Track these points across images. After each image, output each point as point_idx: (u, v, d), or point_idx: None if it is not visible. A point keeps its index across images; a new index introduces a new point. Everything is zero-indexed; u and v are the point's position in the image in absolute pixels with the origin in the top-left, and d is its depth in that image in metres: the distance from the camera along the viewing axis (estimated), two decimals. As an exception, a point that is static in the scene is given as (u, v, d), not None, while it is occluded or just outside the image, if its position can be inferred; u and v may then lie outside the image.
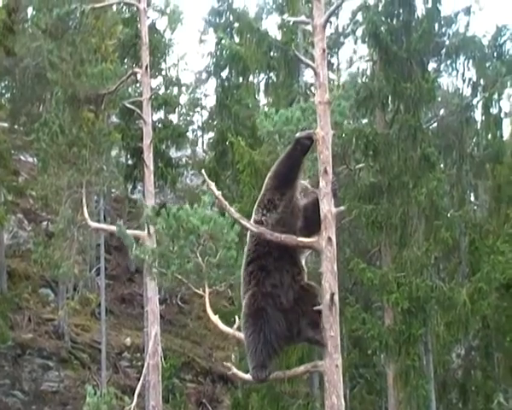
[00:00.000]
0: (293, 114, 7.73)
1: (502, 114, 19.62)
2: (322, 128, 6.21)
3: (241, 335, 6.67)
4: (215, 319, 6.89)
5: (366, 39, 18.70)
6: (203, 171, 6.64)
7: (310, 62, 6.16)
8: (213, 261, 6.81)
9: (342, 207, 6.32)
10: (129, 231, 18.25)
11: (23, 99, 24.50)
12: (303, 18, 6.67)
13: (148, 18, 21.34)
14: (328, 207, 6.20)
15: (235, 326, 6.82)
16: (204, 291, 7.03)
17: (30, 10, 22.87)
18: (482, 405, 18.25)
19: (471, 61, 18.85)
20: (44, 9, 17.16)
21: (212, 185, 6.37)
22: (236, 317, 6.90)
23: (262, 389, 17.74)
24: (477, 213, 21.03)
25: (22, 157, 28.11)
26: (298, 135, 6.11)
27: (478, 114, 19.40)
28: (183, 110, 33.30)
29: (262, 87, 24.23)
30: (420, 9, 18.54)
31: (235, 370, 6.73)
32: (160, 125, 25.81)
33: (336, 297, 6.33)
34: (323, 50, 6.08)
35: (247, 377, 6.35)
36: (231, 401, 21.29)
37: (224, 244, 6.74)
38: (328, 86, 6.43)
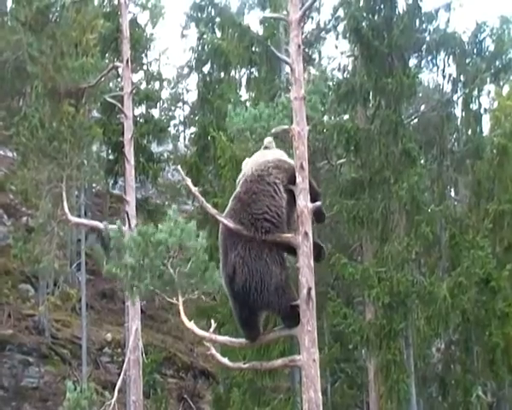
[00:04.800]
0: (262, 111, 7.74)
1: (482, 110, 19.74)
2: (298, 124, 6.21)
3: (218, 337, 6.77)
4: (190, 325, 6.84)
5: (347, 35, 18.74)
6: (179, 168, 6.62)
7: (285, 58, 6.16)
8: (185, 271, 6.75)
9: (318, 203, 6.32)
10: (109, 226, 18.21)
11: (2, 93, 24.28)
12: (279, 14, 6.66)
13: (130, 12, 21.23)
14: (304, 203, 6.22)
15: (212, 329, 6.79)
16: (177, 300, 6.99)
17: (9, 3, 22.70)
18: (461, 398, 18.37)
19: (451, 57, 18.96)
20: (24, 2, 16.97)
21: (189, 181, 6.36)
22: (212, 321, 6.90)
23: (243, 384, 17.77)
24: (457, 208, 21.14)
25: (2, 152, 27.89)
26: (273, 131, 6.13)
27: (458, 110, 19.56)
28: (165, 105, 33.22)
29: (244, 82, 24.24)
30: (401, 5, 18.63)
31: (213, 351, 6.77)
32: (141, 120, 25.65)
33: (313, 292, 6.36)
34: (299, 46, 6.08)
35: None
36: (212, 397, 21.30)
37: (194, 252, 6.68)
38: (308, 81, 6.45)
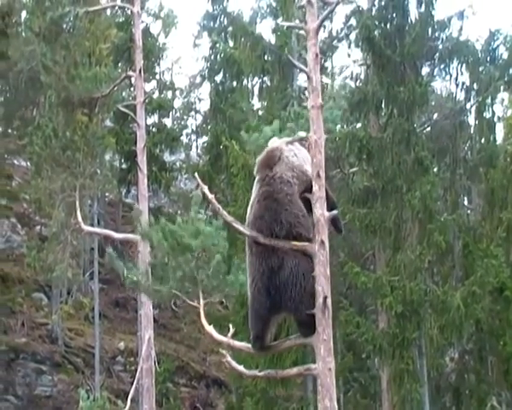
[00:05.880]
0: (275, 128, 7.76)
1: (495, 119, 19.71)
2: (315, 132, 6.21)
3: (236, 343, 6.75)
4: (210, 329, 6.83)
5: (360, 43, 18.77)
6: (196, 175, 6.63)
7: (303, 67, 6.17)
8: (207, 273, 6.76)
9: (335, 212, 6.32)
10: (123, 235, 18.28)
11: (17, 103, 24.48)
12: (296, 23, 6.69)
13: (143, 22, 21.36)
14: (321, 211, 6.21)
15: (230, 335, 6.78)
16: (198, 303, 6.98)
17: (23, 14, 22.86)
18: (475, 408, 18.25)
19: (464, 65, 18.93)
20: (38, 13, 17.13)
21: (205, 189, 6.36)
22: (230, 325, 6.89)
23: (256, 393, 17.73)
24: (470, 216, 21.08)
25: (16, 161, 28.06)
26: (290, 139, 6.14)
27: (471, 119, 19.53)
28: (177, 114, 33.31)
29: (256, 91, 24.30)
30: (413, 14, 18.66)
31: (229, 358, 6.75)
32: (153, 129, 25.79)
33: (329, 301, 6.34)
34: (316, 55, 6.09)
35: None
36: (225, 406, 21.30)
37: (217, 254, 6.69)
38: (322, 90, 6.46)
